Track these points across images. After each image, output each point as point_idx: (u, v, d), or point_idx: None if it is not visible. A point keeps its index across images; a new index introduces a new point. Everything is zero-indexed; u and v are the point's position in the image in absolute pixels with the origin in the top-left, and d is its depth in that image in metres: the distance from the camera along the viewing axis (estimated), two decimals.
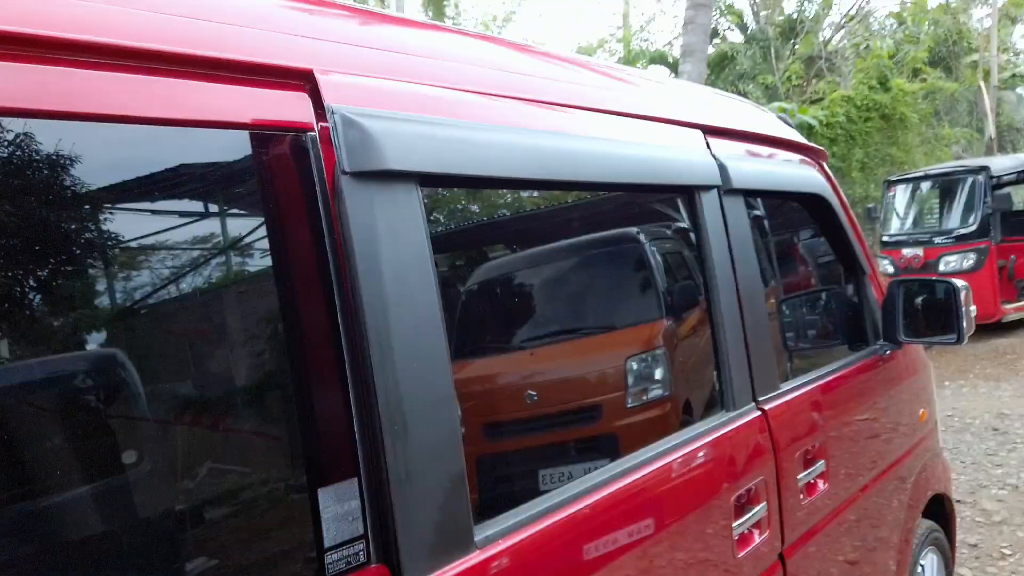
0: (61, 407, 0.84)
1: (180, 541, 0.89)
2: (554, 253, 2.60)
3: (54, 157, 0.82)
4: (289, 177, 1.01)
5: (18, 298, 0.81)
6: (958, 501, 4.51)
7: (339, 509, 0.96)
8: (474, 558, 1.04)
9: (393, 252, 1.02)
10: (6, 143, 0.79)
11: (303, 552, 0.96)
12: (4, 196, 0.79)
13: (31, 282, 0.82)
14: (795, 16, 18.68)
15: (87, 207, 0.86)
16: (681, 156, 1.72)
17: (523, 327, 2.60)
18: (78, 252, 0.85)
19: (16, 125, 0.78)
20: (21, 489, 0.79)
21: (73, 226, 0.85)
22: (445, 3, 16.15)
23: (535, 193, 2.37)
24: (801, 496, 1.85)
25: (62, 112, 0.81)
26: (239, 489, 0.95)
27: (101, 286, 0.87)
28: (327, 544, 0.95)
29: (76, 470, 0.83)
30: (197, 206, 0.97)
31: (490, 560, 1.06)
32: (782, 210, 2.69)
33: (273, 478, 0.99)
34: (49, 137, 0.81)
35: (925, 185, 10.79)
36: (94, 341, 0.87)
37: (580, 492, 1.26)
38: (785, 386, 1.91)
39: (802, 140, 2.40)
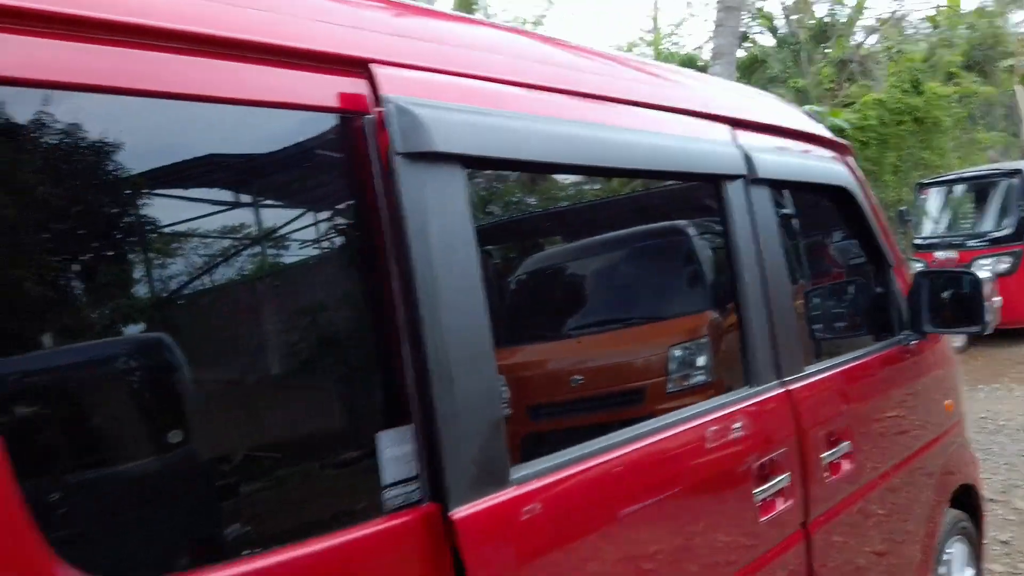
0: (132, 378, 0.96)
1: (260, 479, 1.01)
2: (602, 245, 2.68)
3: (133, 137, 0.92)
4: (349, 155, 1.13)
5: (98, 275, 0.93)
6: (991, 500, 4.50)
7: (396, 451, 1.07)
8: (509, 493, 1.16)
9: (440, 224, 1.13)
10: (93, 123, 0.88)
11: (365, 489, 1.07)
12: (85, 179, 0.90)
13: (115, 261, 0.94)
14: (827, 20, 18.57)
15: (172, 187, 0.98)
16: (709, 147, 1.81)
17: (568, 316, 2.69)
18: (167, 227, 0.97)
19: (103, 104, 0.89)
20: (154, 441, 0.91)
21: (159, 199, 0.97)
22: (475, 6, 16.32)
23: (584, 186, 2.46)
24: (825, 474, 1.92)
25: (146, 91, 0.92)
26: (311, 435, 1.08)
27: (188, 257, 0.98)
28: (385, 482, 1.06)
29: (162, 425, 0.95)
30: (266, 178, 1.09)
31: (523, 496, 1.18)
32: (808, 204, 2.76)
33: (340, 425, 1.12)
34: (129, 118, 0.92)
35: (958, 188, 10.68)
36: (192, 305, 1.00)
37: (608, 446, 1.36)
38: (810, 368, 1.99)
39: (827, 134, 2.47)
